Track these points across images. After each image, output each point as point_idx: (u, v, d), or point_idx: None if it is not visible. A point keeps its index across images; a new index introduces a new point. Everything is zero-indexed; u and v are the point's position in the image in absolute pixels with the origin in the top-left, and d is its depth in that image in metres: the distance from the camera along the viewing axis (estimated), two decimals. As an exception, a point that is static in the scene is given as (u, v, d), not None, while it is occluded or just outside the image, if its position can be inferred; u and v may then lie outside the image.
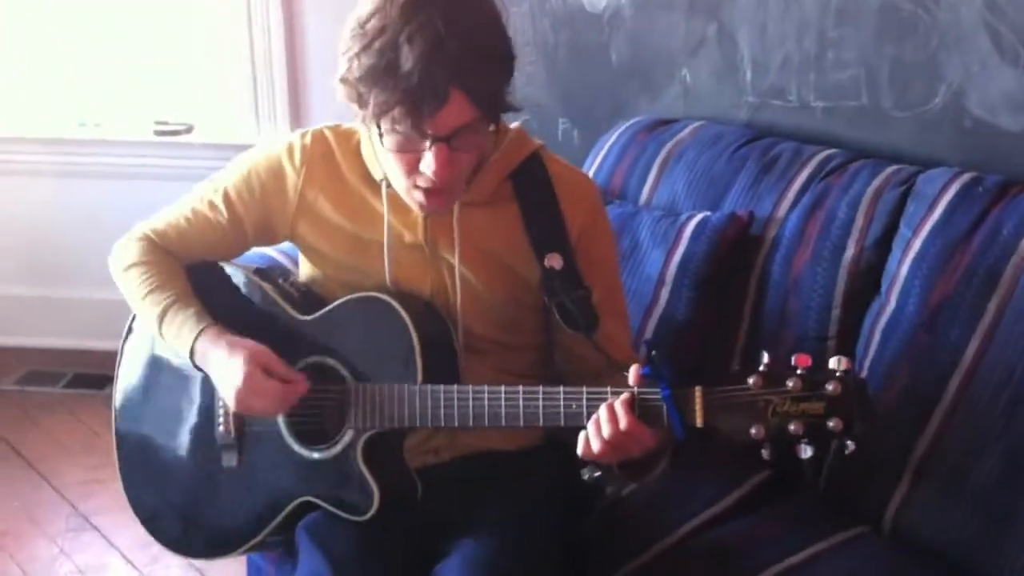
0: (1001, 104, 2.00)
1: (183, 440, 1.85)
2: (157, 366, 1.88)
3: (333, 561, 1.63)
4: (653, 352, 1.45)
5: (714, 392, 1.43)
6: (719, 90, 2.48)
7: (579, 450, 1.52)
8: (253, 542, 1.79)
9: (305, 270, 1.85)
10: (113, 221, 1.85)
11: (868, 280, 1.95)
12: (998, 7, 1.97)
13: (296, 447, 1.72)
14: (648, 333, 2.08)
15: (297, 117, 3.49)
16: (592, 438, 1.49)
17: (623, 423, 1.46)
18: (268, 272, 1.89)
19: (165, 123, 3.62)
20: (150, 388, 1.89)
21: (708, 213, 2.13)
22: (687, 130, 2.36)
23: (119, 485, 1.90)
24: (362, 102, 1.54)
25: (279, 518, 1.75)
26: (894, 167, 2.03)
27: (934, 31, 2.06)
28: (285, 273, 1.93)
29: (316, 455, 1.70)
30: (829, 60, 2.25)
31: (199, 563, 2.64)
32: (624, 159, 2.40)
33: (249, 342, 1.68)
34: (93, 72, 3.69)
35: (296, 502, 1.72)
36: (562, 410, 1.53)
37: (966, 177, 1.90)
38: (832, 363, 1.39)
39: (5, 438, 3.25)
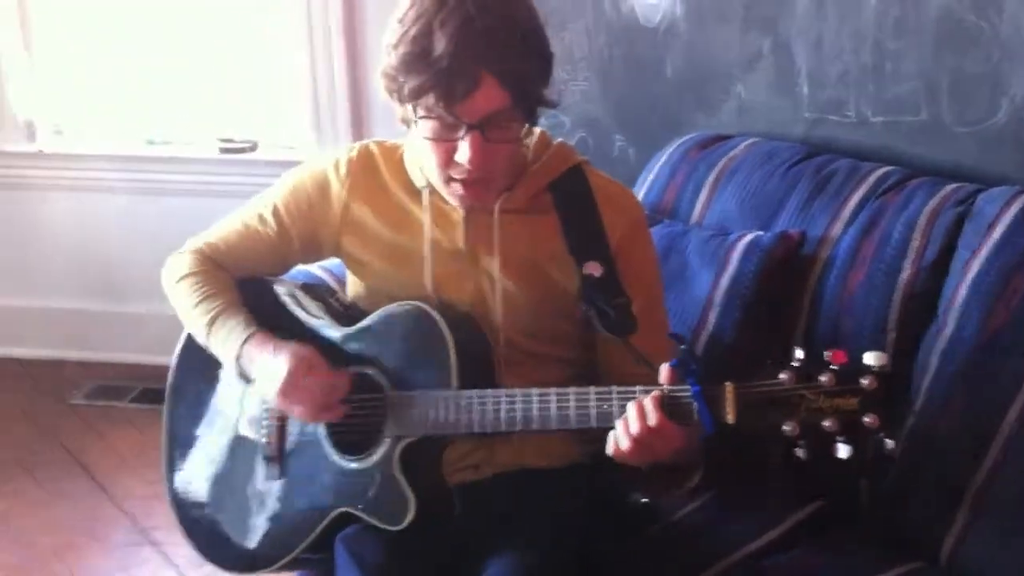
0: (1067, 119, 1.92)
1: (228, 452, 1.87)
2: (206, 380, 1.89)
3: (368, 572, 1.63)
4: (682, 346, 1.44)
5: (746, 387, 1.40)
6: (775, 105, 2.42)
7: (608, 449, 1.51)
8: (293, 554, 1.79)
9: (351, 286, 1.87)
10: (180, 237, 1.90)
11: (924, 303, 1.88)
12: (1063, 17, 1.89)
13: (336, 457, 1.73)
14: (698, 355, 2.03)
15: (359, 135, 3.50)
16: (620, 437, 1.48)
17: (652, 419, 1.45)
18: (314, 288, 1.93)
19: (230, 141, 3.66)
20: (198, 406, 1.91)
21: (759, 233, 2.08)
22: (740, 147, 2.31)
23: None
24: (399, 92, 1.58)
25: (318, 529, 1.75)
26: (953, 186, 1.96)
27: (996, 43, 1.99)
28: (331, 290, 1.96)
29: (355, 464, 1.71)
30: (888, 73, 2.18)
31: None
32: (676, 177, 2.35)
33: (295, 344, 1.71)
34: (161, 91, 3.74)
35: (335, 513, 1.73)
36: (592, 410, 1.53)
37: (1027, 196, 1.83)
38: (868, 358, 1.35)
39: (71, 451, 3.30)
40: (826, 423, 1.35)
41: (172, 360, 1.94)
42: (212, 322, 1.78)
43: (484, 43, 1.51)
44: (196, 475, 1.91)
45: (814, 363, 1.37)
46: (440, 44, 1.51)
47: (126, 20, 3.71)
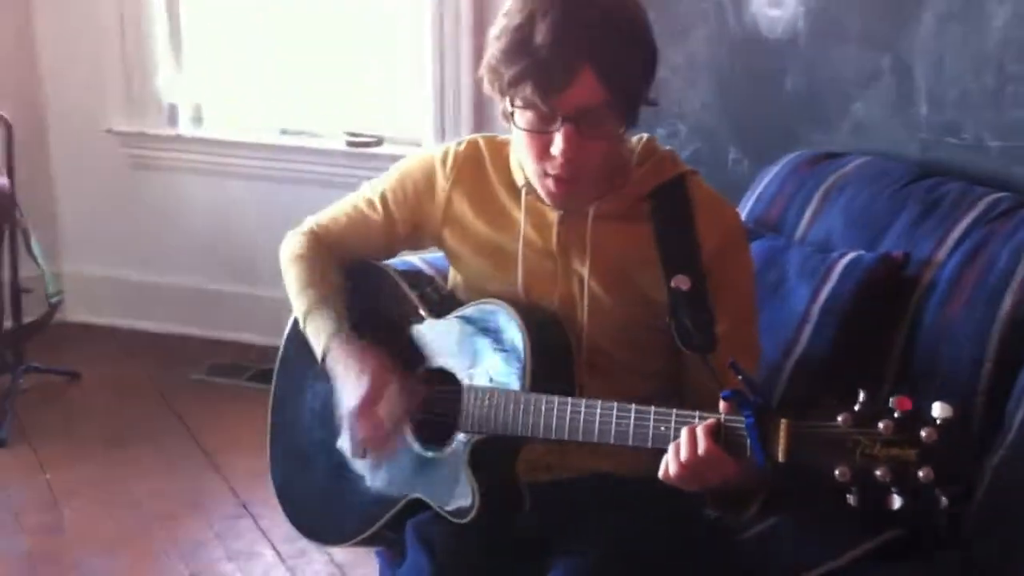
0: None
1: (321, 432, 1.92)
2: (310, 356, 1.92)
3: (436, 559, 1.67)
4: (740, 376, 1.41)
5: (800, 425, 1.36)
6: (892, 125, 2.37)
7: (660, 472, 1.49)
8: (368, 533, 1.84)
9: (452, 277, 1.90)
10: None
11: (1025, 335, 1.82)
12: None
13: (416, 445, 1.77)
14: (787, 372, 2.01)
15: (481, 131, 3.55)
16: (671, 461, 1.47)
17: (701, 447, 1.43)
18: (415, 276, 1.98)
19: (358, 135, 3.75)
20: (300, 382, 1.97)
21: (861, 252, 2.04)
22: (851, 165, 2.27)
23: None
24: (500, 83, 1.58)
25: (392, 512, 1.79)
26: (1065, 215, 1.89)
27: (1122, 71, 1.92)
28: (429, 279, 2.00)
29: (431, 454, 1.75)
30: (1008, 96, 2.12)
31: (339, 558, 2.74)
32: (783, 191, 2.32)
33: (374, 363, 1.74)
34: (297, 83, 3.87)
35: (407, 499, 1.77)
36: (651, 431, 1.51)
37: None
38: (935, 409, 1.29)
39: (187, 424, 3.44)
40: (879, 471, 1.29)
41: (283, 335, 2.01)
42: (308, 312, 1.84)
43: (585, 35, 1.51)
44: (294, 446, 1.98)
45: (876, 407, 1.32)
46: (541, 34, 1.51)
47: (267, 15, 3.85)
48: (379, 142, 3.72)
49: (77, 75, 3.95)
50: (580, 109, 1.54)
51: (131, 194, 4.04)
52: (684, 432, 1.45)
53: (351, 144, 3.73)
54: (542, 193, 1.68)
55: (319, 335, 1.82)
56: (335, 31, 3.79)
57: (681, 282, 1.65)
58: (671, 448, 1.47)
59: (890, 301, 1.99)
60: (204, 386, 3.71)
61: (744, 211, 2.37)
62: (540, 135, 1.59)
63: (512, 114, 1.61)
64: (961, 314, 1.89)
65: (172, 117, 3.94)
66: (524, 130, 1.60)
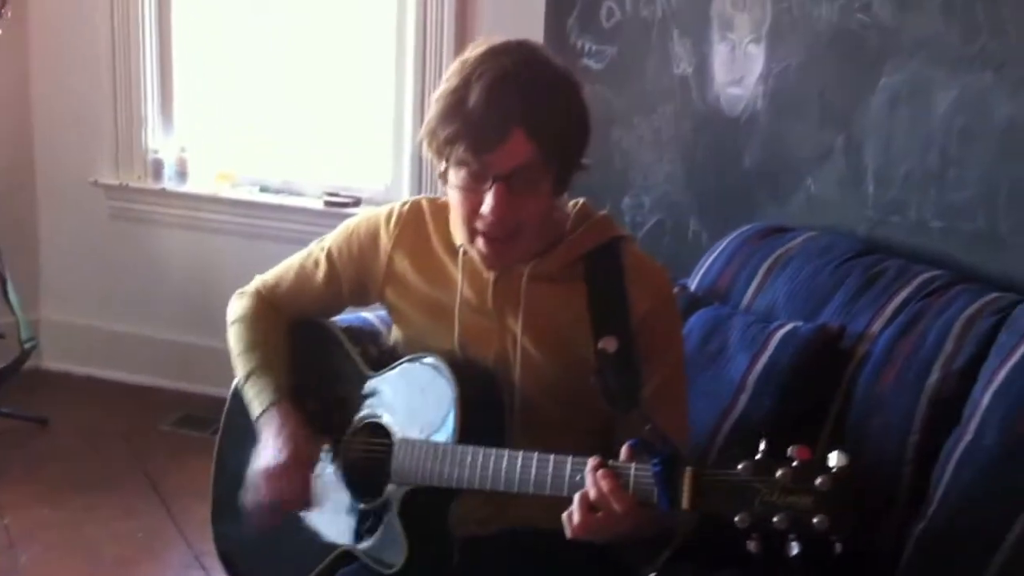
0: (1118, 240, 1.89)
1: None
2: (250, 419, 1.96)
3: None
4: (648, 426, 1.44)
5: (704, 473, 1.39)
6: (842, 201, 2.44)
7: (567, 530, 1.50)
8: None
9: (394, 332, 1.93)
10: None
11: (951, 407, 1.84)
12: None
13: (349, 497, 1.80)
14: (721, 437, 2.04)
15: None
16: (575, 511, 1.48)
17: (604, 485, 1.45)
18: (358, 332, 2.00)
19: (336, 195, 3.82)
20: (242, 437, 1.97)
21: (799, 323, 2.08)
22: (798, 240, 2.32)
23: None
24: (436, 144, 1.63)
25: (322, 565, 1.81)
26: (994, 294, 1.93)
27: (1056, 157, 1.98)
28: (375, 335, 2.03)
29: (363, 506, 1.77)
30: (950, 178, 2.18)
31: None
32: (732, 262, 2.38)
33: (298, 440, 1.80)
34: (277, 141, 3.95)
35: (338, 551, 1.79)
36: (567, 479, 1.52)
37: (1065, 311, 1.80)
38: (832, 459, 1.32)
39: (149, 473, 3.45)
40: (776, 518, 1.32)
41: (230, 390, 2.04)
42: (249, 375, 1.89)
43: (517, 97, 1.56)
44: (232, 499, 1.96)
45: (776, 456, 1.35)
46: (474, 95, 1.56)
47: (253, 74, 3.95)
48: (357, 203, 3.79)
49: (68, 127, 4.04)
50: (511, 168, 1.58)
51: (113, 245, 4.11)
52: (588, 476, 1.48)
53: (329, 204, 3.80)
54: (474, 255, 1.72)
55: (257, 400, 1.86)
56: (319, 92, 3.88)
57: (608, 344, 1.68)
58: (577, 498, 1.48)
59: (825, 372, 2.03)
60: (171, 437, 3.73)
61: (695, 281, 2.43)
62: (472, 193, 1.62)
63: (446, 172, 1.65)
64: (892, 386, 1.92)
65: (157, 171, 4.01)
66: (457, 188, 1.64)
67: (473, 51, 1.63)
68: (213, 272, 3.99)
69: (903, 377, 1.91)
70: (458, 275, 1.78)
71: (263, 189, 3.96)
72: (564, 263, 1.74)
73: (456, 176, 1.63)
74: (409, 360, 1.78)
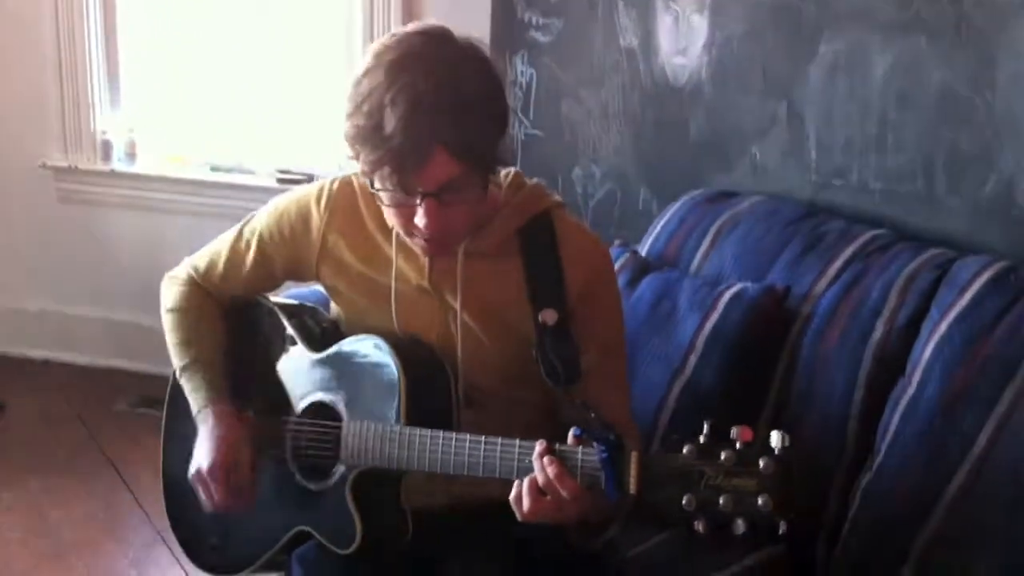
0: (1049, 195, 1.97)
1: None
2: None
3: None
4: (592, 414, 1.48)
5: (650, 457, 1.43)
6: (786, 168, 2.50)
7: (516, 513, 1.54)
8: (254, 565, 1.88)
9: (333, 309, 1.93)
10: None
11: (894, 363, 1.92)
12: (1052, 98, 1.95)
13: (299, 478, 1.81)
14: (672, 400, 2.09)
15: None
16: (524, 495, 1.51)
17: (551, 471, 1.48)
18: (296, 308, 1.97)
19: (288, 172, 3.83)
20: (186, 420, 1.96)
21: (747, 284, 2.14)
22: (745, 204, 2.39)
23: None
24: (361, 162, 1.61)
25: (278, 545, 1.83)
26: (934, 251, 2.01)
27: (989, 119, 2.05)
28: (311, 310, 2.00)
29: (314, 486, 1.78)
30: (889, 143, 2.24)
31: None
32: (682, 227, 2.43)
33: (233, 446, 1.79)
34: (228, 119, 3.95)
35: (293, 531, 1.80)
36: (515, 463, 1.55)
37: (1000, 266, 1.88)
38: (773, 439, 1.37)
39: (107, 455, 3.46)
40: (722, 500, 1.36)
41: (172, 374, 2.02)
42: (183, 371, 1.89)
43: (434, 119, 1.52)
44: (180, 474, 1.97)
45: (719, 439, 1.39)
46: (390, 124, 1.53)
47: (203, 51, 3.93)
48: (310, 179, 3.79)
49: (15, 110, 3.99)
50: (438, 185, 1.57)
51: (63, 228, 4.08)
52: (535, 461, 1.50)
53: (281, 181, 3.80)
54: (416, 248, 1.72)
55: (192, 397, 1.87)
56: (269, 69, 3.88)
57: (548, 316, 1.71)
58: (526, 484, 1.51)
59: (773, 330, 2.09)
60: (128, 417, 3.73)
61: (645, 246, 2.48)
62: (404, 207, 1.62)
63: (373, 184, 1.63)
64: (836, 344, 1.99)
65: (106, 153, 3.99)
66: (388, 205, 1.64)
67: (383, 56, 1.58)
68: (165, 253, 3.89)
69: (848, 333, 1.98)
70: (392, 254, 1.77)
71: (214, 168, 3.96)
72: (500, 238, 1.75)
73: (385, 195, 1.62)
74: (352, 340, 1.78)
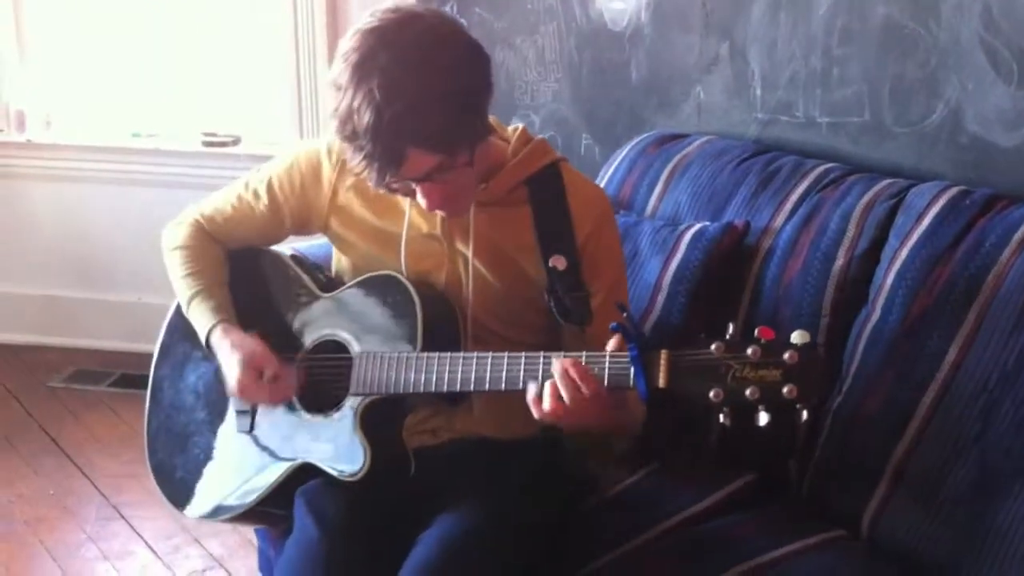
0: (995, 120, 2.03)
1: (203, 406, 1.99)
2: (188, 341, 2.00)
3: (324, 525, 1.73)
4: (625, 313, 1.53)
5: (679, 354, 1.50)
6: (730, 107, 2.54)
7: (535, 412, 1.60)
8: (253, 501, 1.88)
9: (336, 262, 1.97)
10: (162, 228, 2.01)
11: (856, 290, 1.97)
12: (994, 26, 2.00)
13: (303, 413, 1.85)
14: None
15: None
16: (547, 397, 1.58)
17: (572, 372, 1.55)
18: (302, 258, 2.03)
19: (214, 135, 3.76)
20: (181, 360, 2.04)
21: (707, 223, 2.18)
22: (694, 144, 2.42)
23: (150, 480, 2.01)
24: (352, 161, 1.65)
25: (280, 478, 1.84)
26: (888, 181, 2.06)
27: (934, 49, 2.10)
28: (317, 265, 2.05)
29: (319, 419, 1.82)
30: (834, 77, 2.29)
31: (216, 551, 2.76)
32: (633, 172, 2.46)
33: (250, 343, 1.84)
34: (149, 85, 3.85)
35: (296, 463, 1.83)
36: (522, 372, 1.62)
37: (955, 191, 1.93)
38: (794, 336, 1.45)
39: (48, 431, 3.39)
40: (748, 391, 1.44)
41: (165, 320, 2.06)
42: (191, 299, 1.92)
43: (398, 126, 1.56)
44: (170, 422, 2.02)
45: (744, 337, 1.47)
46: (361, 131, 1.57)
47: (117, 15, 3.83)
48: (236, 141, 3.74)
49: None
50: (424, 172, 1.62)
51: (-20, 203, 3.96)
52: (555, 362, 1.57)
53: (207, 144, 3.74)
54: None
55: (201, 320, 1.90)
56: (189, 31, 3.79)
57: (558, 262, 1.78)
58: (547, 384, 1.58)
59: (734, 267, 2.13)
60: (64, 393, 3.66)
61: (599, 193, 2.49)
62: (405, 190, 1.69)
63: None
64: (798, 275, 2.04)
65: (20, 123, 3.87)
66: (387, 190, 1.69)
67: (348, 56, 1.59)
68: (89, 224, 3.90)
69: (809, 264, 2.03)
70: (405, 204, 1.82)
71: (135, 135, 3.86)
72: (508, 188, 1.81)
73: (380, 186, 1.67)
74: (362, 280, 1.84)
